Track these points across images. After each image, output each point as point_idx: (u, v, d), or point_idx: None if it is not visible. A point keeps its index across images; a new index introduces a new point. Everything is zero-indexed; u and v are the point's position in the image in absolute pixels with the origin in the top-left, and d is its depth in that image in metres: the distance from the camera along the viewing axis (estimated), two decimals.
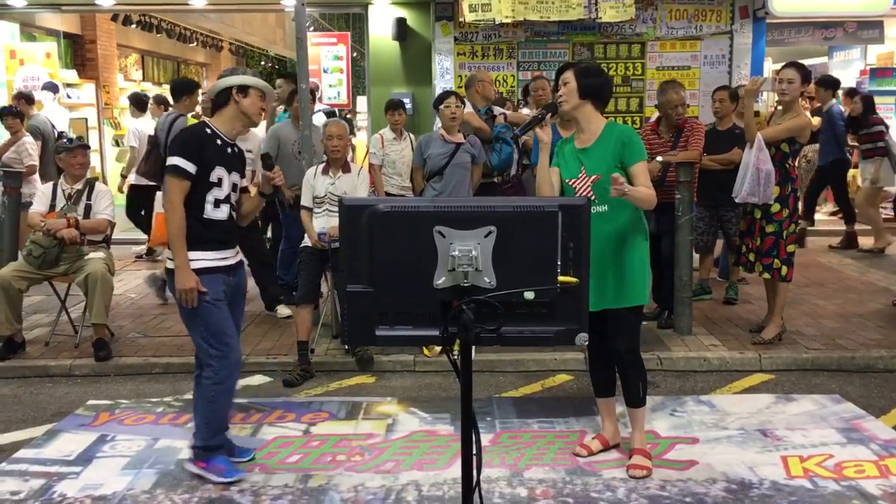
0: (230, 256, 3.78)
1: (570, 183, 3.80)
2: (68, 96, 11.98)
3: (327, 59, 11.87)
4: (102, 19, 13.27)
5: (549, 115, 3.80)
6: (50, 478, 3.86)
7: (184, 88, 6.92)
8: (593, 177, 3.72)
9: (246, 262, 6.17)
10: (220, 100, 3.72)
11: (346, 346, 5.62)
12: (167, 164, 3.63)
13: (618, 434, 4.12)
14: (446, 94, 5.82)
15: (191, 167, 3.57)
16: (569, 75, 3.76)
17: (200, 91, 7.78)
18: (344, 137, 5.52)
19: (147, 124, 8.77)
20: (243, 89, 3.68)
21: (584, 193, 3.73)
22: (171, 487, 3.75)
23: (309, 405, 4.80)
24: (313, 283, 5.43)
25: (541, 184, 3.89)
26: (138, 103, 9.27)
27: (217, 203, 3.66)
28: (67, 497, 3.67)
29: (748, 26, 9.46)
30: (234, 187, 3.76)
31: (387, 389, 5.12)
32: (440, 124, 5.84)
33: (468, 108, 6.26)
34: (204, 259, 3.65)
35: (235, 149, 3.79)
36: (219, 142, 3.68)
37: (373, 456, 4.08)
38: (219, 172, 3.65)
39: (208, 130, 3.70)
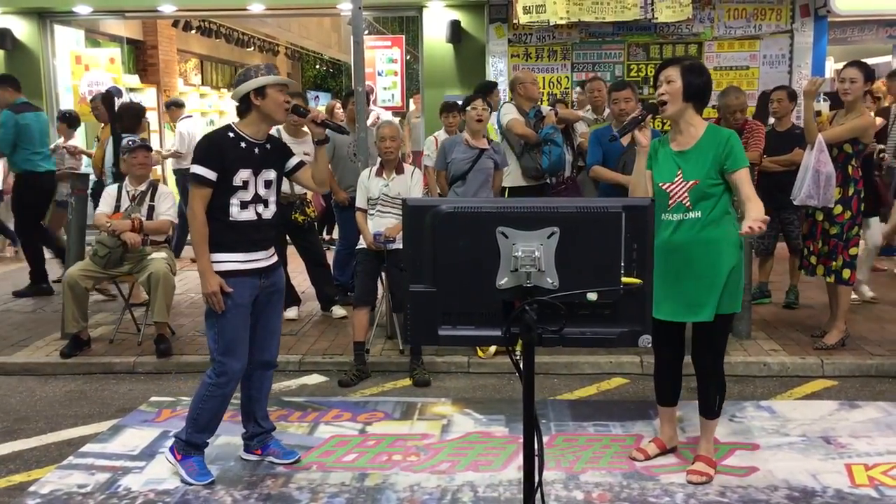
0: (262, 258, 3.79)
1: (664, 187, 3.64)
2: (131, 101, 12.27)
3: (382, 62, 11.96)
4: (164, 25, 13.60)
5: (650, 116, 3.65)
6: (115, 472, 3.96)
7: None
8: (691, 182, 3.56)
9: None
10: (243, 106, 3.71)
11: (401, 347, 5.66)
12: (189, 171, 3.71)
13: (675, 437, 4.07)
14: (473, 97, 5.82)
15: (211, 174, 3.60)
16: (674, 73, 3.57)
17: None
18: (397, 139, 5.56)
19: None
20: (260, 91, 3.65)
21: (680, 199, 3.60)
22: (231, 483, 3.82)
23: (364, 405, 4.84)
24: (370, 284, 5.47)
25: (635, 188, 3.78)
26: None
27: (244, 205, 3.68)
28: (132, 491, 3.76)
29: (809, 25, 9.29)
30: (267, 184, 3.76)
31: (441, 390, 5.13)
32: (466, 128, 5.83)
33: (514, 116, 6.20)
34: (230, 262, 3.68)
35: (268, 146, 3.78)
36: (243, 144, 3.68)
37: (428, 456, 4.10)
38: (243, 175, 3.66)
39: (231, 135, 3.69)
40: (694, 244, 3.57)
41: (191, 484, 3.78)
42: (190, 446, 3.86)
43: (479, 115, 5.65)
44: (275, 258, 3.91)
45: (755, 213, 3.43)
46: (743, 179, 3.55)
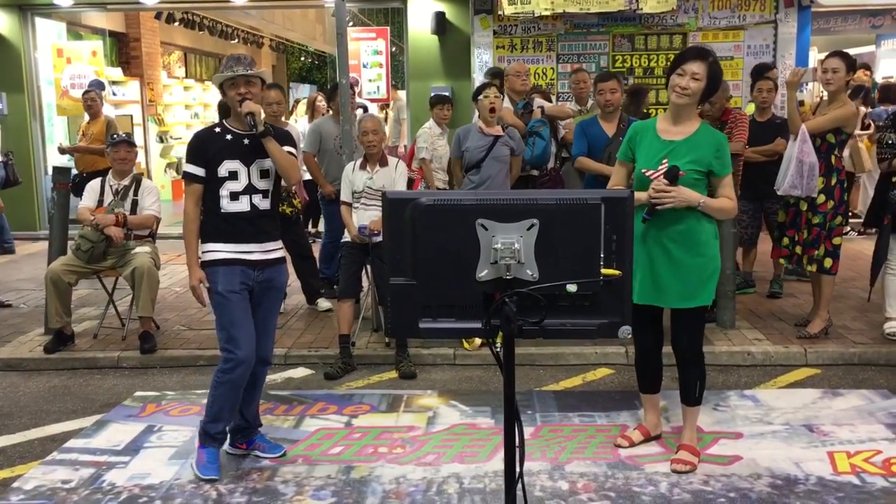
0: (255, 251, 3.77)
1: (647, 174, 3.67)
2: (114, 94, 12.20)
3: (366, 53, 11.91)
4: (146, 17, 13.49)
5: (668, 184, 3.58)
6: (99, 467, 3.95)
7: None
8: None
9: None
10: None
11: (387, 340, 5.65)
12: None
13: (659, 425, 4.10)
14: (485, 86, 5.79)
15: (198, 171, 3.70)
16: (701, 71, 3.55)
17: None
18: (379, 132, 5.55)
19: None
20: (221, 87, 3.74)
21: None
22: None
23: (350, 398, 4.84)
24: (354, 277, 5.46)
25: None
26: None
27: (234, 196, 3.71)
28: (116, 486, 3.75)
29: (793, 15, 9.31)
30: (264, 173, 3.75)
31: (427, 382, 5.14)
32: (478, 116, 5.84)
33: (504, 104, 6.24)
34: (221, 251, 3.73)
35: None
36: (229, 137, 3.73)
37: (414, 448, 4.10)
38: (229, 166, 3.69)
39: (217, 129, 3.78)
40: (669, 234, 3.63)
41: (200, 478, 3.77)
42: (206, 436, 3.85)
43: (492, 102, 5.64)
44: (275, 254, 3.88)
45: (708, 200, 3.59)
46: (727, 184, 3.68)
